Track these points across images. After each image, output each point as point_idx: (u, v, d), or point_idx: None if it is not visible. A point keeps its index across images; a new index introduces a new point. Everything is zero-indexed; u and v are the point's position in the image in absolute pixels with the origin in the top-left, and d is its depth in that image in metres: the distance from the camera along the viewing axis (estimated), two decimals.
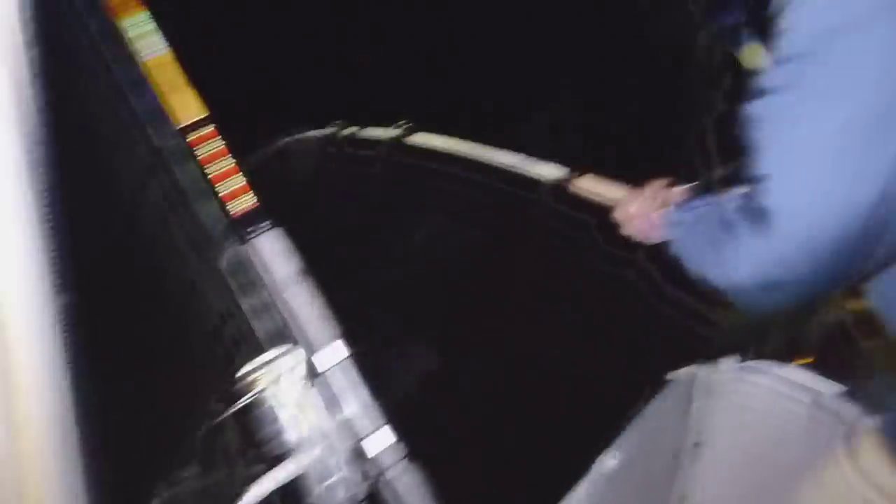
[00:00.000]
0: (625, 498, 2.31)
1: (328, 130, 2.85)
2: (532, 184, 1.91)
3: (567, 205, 1.81)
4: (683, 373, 2.57)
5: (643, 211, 1.14)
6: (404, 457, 1.06)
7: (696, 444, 2.84)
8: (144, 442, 1.16)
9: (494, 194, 2.02)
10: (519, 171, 1.94)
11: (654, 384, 2.46)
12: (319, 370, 1.08)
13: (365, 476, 1.22)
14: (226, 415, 1.16)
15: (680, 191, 1.10)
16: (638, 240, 1.17)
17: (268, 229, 1.06)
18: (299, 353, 1.17)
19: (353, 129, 2.75)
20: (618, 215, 1.20)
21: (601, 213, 1.24)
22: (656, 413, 2.43)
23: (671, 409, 2.52)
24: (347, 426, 1.15)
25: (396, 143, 2.48)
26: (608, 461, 2.19)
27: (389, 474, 1.06)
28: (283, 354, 1.17)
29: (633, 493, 2.39)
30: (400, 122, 2.52)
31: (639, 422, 2.36)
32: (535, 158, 1.91)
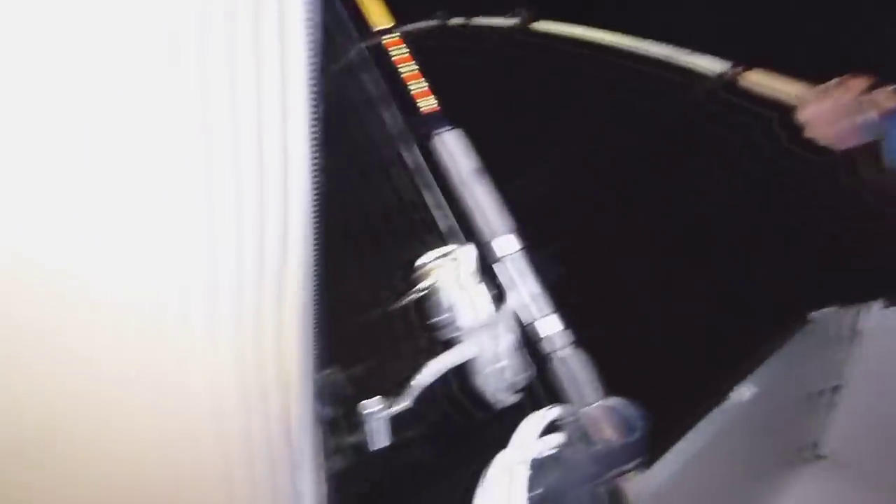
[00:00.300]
0: (755, 432, 2.32)
1: (427, 24, 2.30)
2: (693, 76, 1.59)
3: (739, 98, 1.54)
4: (828, 312, 2.51)
5: (837, 113, 1.01)
6: (570, 343, 1.14)
7: (835, 389, 2.77)
8: (343, 317, 1.30)
9: (649, 85, 1.73)
10: (675, 62, 1.62)
11: (799, 319, 2.42)
12: (494, 259, 1.17)
13: (532, 361, 1.32)
14: (406, 300, 1.29)
15: (886, 93, 0.99)
16: (826, 144, 1.06)
17: (450, 129, 1.15)
18: (472, 248, 1.28)
19: (460, 20, 2.28)
20: (803, 116, 1.07)
21: (781, 109, 1.10)
22: (796, 351, 2.40)
23: (811, 349, 2.48)
24: (516, 315, 1.24)
25: (521, 29, 2.01)
26: (744, 392, 2.20)
27: (556, 358, 1.15)
28: (459, 247, 1.27)
29: (763, 429, 2.39)
30: (517, 10, 2.05)
31: (778, 357, 2.35)
32: (688, 50, 1.61)
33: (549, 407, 1.39)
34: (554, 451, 1.34)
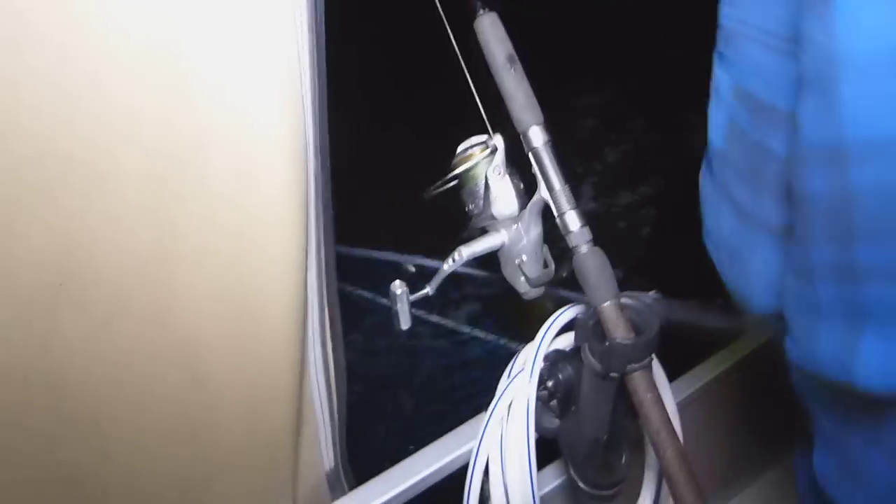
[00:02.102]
0: None
1: None
2: None
3: None
4: None
5: None
6: (588, 241, 1.14)
7: None
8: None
9: None
10: None
11: None
12: (525, 151, 1.16)
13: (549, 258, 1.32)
14: (441, 187, 1.30)
15: None
16: None
17: (486, 13, 1.12)
18: (500, 139, 1.26)
19: None
20: None
21: None
22: None
23: None
24: (540, 207, 1.24)
25: None
26: None
27: (576, 254, 1.14)
28: (493, 136, 1.26)
29: None
30: None
31: None
32: None
33: (568, 306, 1.41)
34: (570, 347, 1.37)
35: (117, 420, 0.94)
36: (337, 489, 1.32)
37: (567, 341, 1.42)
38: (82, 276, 0.85)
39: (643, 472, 1.51)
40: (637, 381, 1.14)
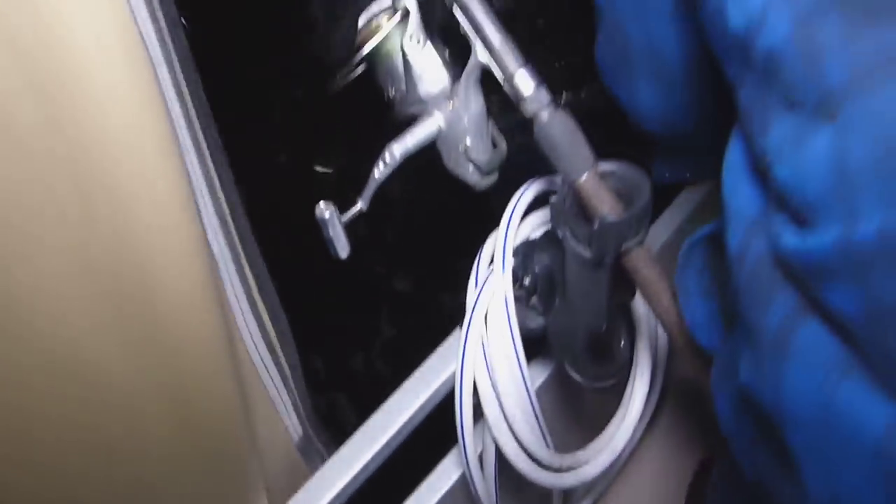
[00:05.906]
0: None
1: None
2: None
3: None
4: None
5: None
6: (549, 103, 0.91)
7: None
8: None
9: None
10: None
11: None
12: (449, 7, 0.90)
13: (503, 132, 1.10)
14: (348, 73, 1.04)
15: None
16: None
17: None
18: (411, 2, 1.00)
19: None
20: None
21: None
22: None
23: None
24: (477, 75, 1.00)
25: None
26: None
27: (536, 123, 0.92)
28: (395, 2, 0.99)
29: None
30: None
31: None
32: None
33: (529, 183, 1.20)
34: (544, 229, 1.17)
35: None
36: (313, 457, 1.13)
37: (531, 226, 1.22)
38: None
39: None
40: (636, 258, 0.96)
